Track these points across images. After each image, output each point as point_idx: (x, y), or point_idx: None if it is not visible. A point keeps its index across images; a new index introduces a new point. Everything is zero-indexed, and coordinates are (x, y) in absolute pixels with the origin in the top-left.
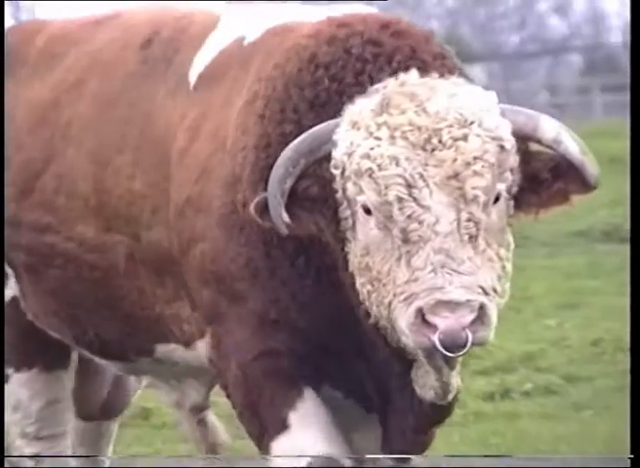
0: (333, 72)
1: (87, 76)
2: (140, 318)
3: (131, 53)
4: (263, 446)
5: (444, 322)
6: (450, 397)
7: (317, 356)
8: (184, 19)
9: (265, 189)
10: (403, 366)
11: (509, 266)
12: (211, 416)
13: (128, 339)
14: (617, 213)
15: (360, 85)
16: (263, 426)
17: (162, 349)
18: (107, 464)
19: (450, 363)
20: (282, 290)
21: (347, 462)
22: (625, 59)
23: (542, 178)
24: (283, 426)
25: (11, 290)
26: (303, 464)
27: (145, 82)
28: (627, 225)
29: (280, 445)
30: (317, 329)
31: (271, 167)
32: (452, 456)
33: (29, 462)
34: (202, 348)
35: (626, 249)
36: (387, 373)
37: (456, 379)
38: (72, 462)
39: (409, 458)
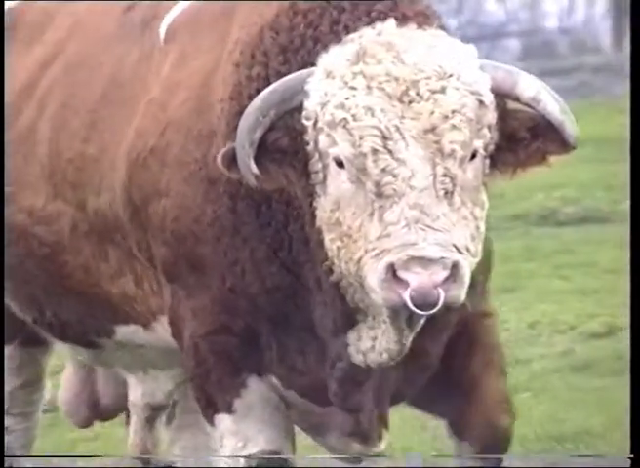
0: (310, 19)
1: (67, 41)
2: (91, 296)
3: (111, 17)
4: (208, 416)
5: (416, 278)
6: (399, 358)
7: (267, 332)
8: None
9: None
10: (339, 327)
11: (483, 226)
12: (161, 423)
13: (87, 320)
14: (553, 196)
15: (335, 34)
16: (211, 401)
17: (122, 331)
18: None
19: (412, 324)
20: (242, 249)
21: (293, 458)
22: (562, 44)
23: (520, 137)
24: (229, 409)
25: None
26: (247, 456)
27: (118, 45)
28: (564, 209)
29: (225, 422)
30: (269, 295)
31: (241, 114)
32: (447, 456)
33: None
34: (161, 330)
35: (562, 232)
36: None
37: (408, 346)
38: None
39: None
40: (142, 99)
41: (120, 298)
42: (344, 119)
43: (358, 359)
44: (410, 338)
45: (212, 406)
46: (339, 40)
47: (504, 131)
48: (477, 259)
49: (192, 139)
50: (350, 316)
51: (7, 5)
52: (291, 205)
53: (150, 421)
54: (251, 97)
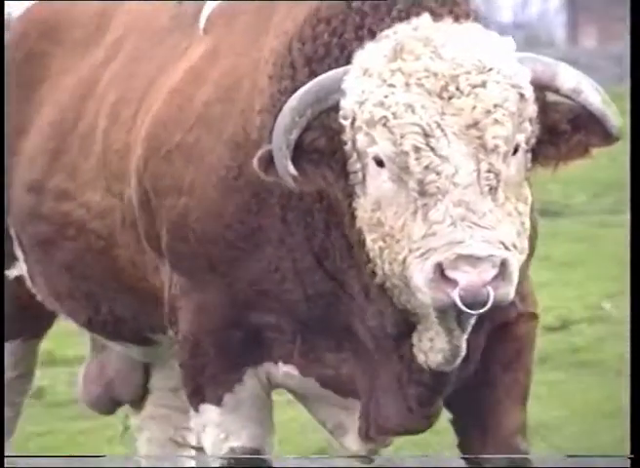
0: (334, 26)
1: (124, 38)
2: (141, 291)
3: (164, 10)
4: (194, 403)
5: (465, 277)
6: (457, 362)
7: (297, 329)
8: None
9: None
10: (401, 331)
11: (528, 222)
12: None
13: (141, 316)
14: None
15: (360, 40)
16: (200, 391)
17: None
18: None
19: (462, 324)
20: (285, 258)
21: (271, 459)
22: (517, 39)
23: (561, 130)
24: (218, 402)
25: (16, 270)
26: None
27: (170, 36)
28: None
29: (210, 412)
30: (309, 301)
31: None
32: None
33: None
34: None
35: None
36: (375, 345)
37: (464, 347)
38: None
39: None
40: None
41: (162, 293)
42: (384, 117)
43: (421, 359)
44: (463, 339)
45: (199, 395)
46: (363, 45)
47: (545, 124)
48: (524, 256)
49: (224, 145)
50: (407, 319)
51: (38, 4)
52: (332, 212)
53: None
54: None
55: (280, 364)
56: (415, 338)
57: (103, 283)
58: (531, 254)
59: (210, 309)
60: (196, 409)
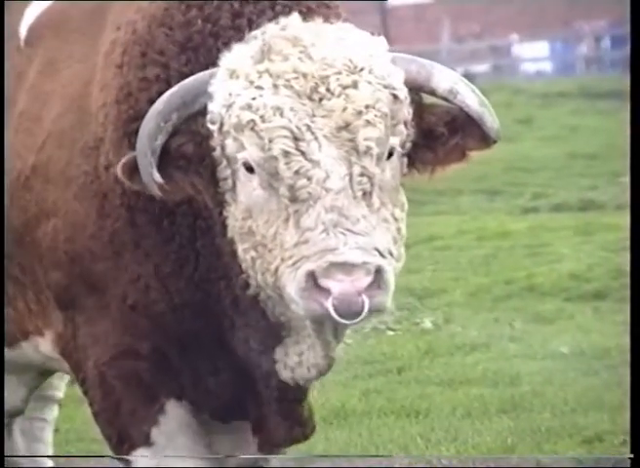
0: (207, 12)
1: None
2: None
3: None
4: (123, 451)
5: (338, 285)
6: (329, 372)
7: (176, 353)
8: None
9: (131, 146)
10: (267, 346)
11: (404, 229)
12: (17, 427)
13: None
14: None
15: (237, 29)
16: (124, 435)
17: None
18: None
19: (339, 335)
20: (145, 264)
21: None
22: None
23: (438, 133)
24: (146, 442)
25: None
26: None
27: None
28: None
29: (141, 461)
30: (176, 312)
31: (135, 119)
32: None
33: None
34: (28, 348)
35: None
36: (249, 362)
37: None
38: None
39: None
40: (9, 107)
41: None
42: (252, 121)
43: (286, 375)
44: (337, 350)
45: (126, 440)
46: (241, 35)
47: (421, 127)
48: (401, 263)
49: (78, 153)
50: (276, 332)
51: None
52: (199, 217)
53: (8, 426)
54: (151, 101)
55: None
56: (279, 353)
57: None
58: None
59: (102, 339)
60: (128, 463)
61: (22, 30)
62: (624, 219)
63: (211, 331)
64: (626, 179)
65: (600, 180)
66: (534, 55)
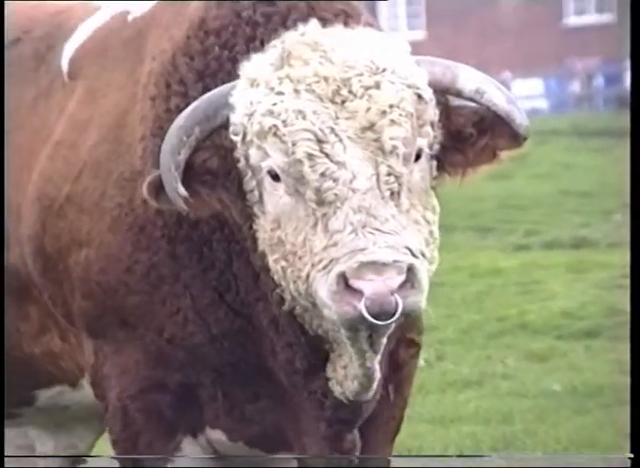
0: (224, 39)
1: None
2: (9, 362)
3: None
4: None
5: (370, 285)
6: (373, 388)
7: (210, 383)
8: (61, 14)
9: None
10: (311, 365)
11: (437, 232)
12: None
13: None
14: None
15: (253, 52)
16: (140, 461)
17: (45, 395)
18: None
19: (375, 345)
20: (183, 297)
21: None
22: None
23: (467, 134)
24: None
25: None
26: None
27: (10, 87)
28: None
29: None
30: (214, 343)
31: None
32: (447, 456)
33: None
34: (89, 387)
35: None
36: (288, 383)
37: (378, 370)
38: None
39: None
40: (44, 141)
41: (44, 358)
42: (274, 126)
43: (338, 391)
44: (375, 361)
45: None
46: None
47: (449, 129)
48: (434, 266)
49: (113, 184)
50: (318, 347)
51: None
52: (233, 241)
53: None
54: None
55: (208, 429)
56: (329, 370)
57: None
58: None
59: (131, 371)
60: None
61: (64, 64)
62: (617, 257)
63: (250, 358)
64: (619, 217)
65: (593, 218)
66: (527, 92)
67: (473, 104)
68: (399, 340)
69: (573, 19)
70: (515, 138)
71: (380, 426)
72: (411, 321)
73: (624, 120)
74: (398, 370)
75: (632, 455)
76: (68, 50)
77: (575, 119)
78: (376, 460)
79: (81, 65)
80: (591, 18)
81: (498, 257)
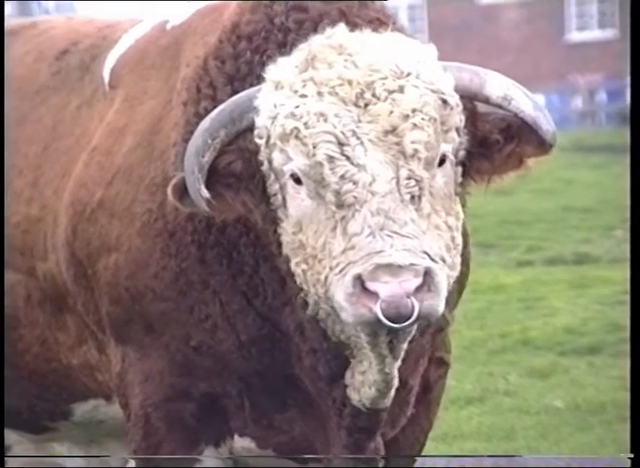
0: (256, 44)
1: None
2: (46, 373)
3: (44, 65)
4: None
5: (385, 287)
6: (391, 395)
7: (236, 392)
8: (109, 28)
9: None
10: (333, 372)
11: (459, 238)
12: None
13: (39, 403)
14: None
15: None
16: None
17: (81, 409)
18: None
19: (394, 350)
20: (212, 303)
21: None
22: None
23: (493, 141)
24: None
25: None
26: None
27: (56, 95)
28: None
29: None
30: (242, 350)
31: None
32: (451, 456)
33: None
34: None
35: None
36: (314, 389)
37: (396, 378)
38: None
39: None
40: (83, 148)
41: (81, 370)
42: (296, 128)
43: (355, 398)
44: (395, 367)
45: None
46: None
47: (476, 135)
48: (455, 273)
49: (144, 189)
50: (341, 354)
51: None
52: (259, 244)
53: None
54: None
55: (236, 437)
56: (347, 376)
57: None
58: (460, 292)
59: (155, 378)
60: None
61: (106, 74)
62: (619, 273)
63: (277, 366)
64: (620, 233)
65: (594, 234)
66: None
67: (500, 111)
68: (430, 359)
69: (575, 35)
70: (542, 146)
71: (403, 449)
72: (439, 339)
73: (626, 136)
74: (428, 392)
75: (632, 455)
76: (110, 60)
77: (577, 135)
78: None
79: (121, 75)
80: (594, 34)
81: (499, 274)
